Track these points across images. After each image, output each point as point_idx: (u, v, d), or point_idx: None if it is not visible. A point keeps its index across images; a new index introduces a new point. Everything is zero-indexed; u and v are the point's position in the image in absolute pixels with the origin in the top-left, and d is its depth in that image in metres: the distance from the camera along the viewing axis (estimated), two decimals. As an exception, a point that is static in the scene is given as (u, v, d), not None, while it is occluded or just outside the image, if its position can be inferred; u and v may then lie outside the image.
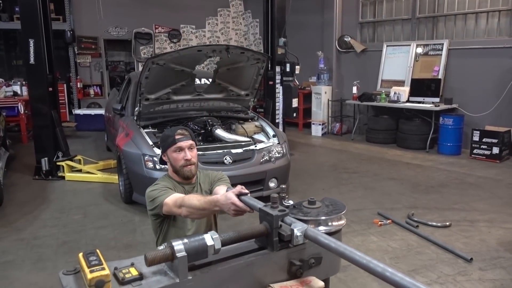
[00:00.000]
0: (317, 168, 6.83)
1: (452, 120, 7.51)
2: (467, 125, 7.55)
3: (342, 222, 1.59)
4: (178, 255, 1.27)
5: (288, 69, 7.54)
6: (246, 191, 1.72)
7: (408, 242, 3.99)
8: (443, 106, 7.68)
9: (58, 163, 6.20)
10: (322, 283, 1.50)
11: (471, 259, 3.56)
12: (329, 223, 1.56)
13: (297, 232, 1.42)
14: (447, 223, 4.35)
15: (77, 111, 10.31)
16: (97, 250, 1.30)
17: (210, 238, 1.35)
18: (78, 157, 6.49)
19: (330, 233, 1.53)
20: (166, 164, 2.37)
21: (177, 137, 2.24)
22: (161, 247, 1.32)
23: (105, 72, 11.35)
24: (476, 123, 7.51)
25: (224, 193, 1.75)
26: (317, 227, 1.54)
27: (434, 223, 4.35)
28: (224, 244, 1.39)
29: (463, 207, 4.90)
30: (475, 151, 7.19)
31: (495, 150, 6.97)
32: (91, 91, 11.16)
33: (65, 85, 10.75)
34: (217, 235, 1.36)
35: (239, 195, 1.69)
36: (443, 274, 3.36)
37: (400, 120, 8.39)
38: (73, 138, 9.22)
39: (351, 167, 6.83)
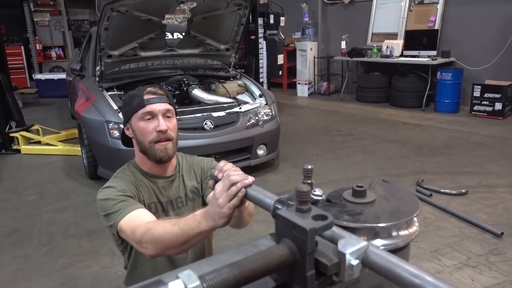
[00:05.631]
0: (308, 131, 6.19)
1: (451, 74, 6.89)
2: (466, 80, 6.97)
3: (415, 229, 0.93)
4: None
5: (272, 21, 6.73)
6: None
7: (423, 214, 3.40)
8: (440, 60, 7.04)
9: (11, 135, 5.39)
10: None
11: (502, 233, 3.01)
12: (394, 233, 0.90)
13: (350, 259, 0.75)
14: (463, 190, 3.79)
15: (38, 76, 9.31)
16: None
17: None
18: (36, 126, 5.69)
19: (394, 251, 0.88)
20: (132, 145, 1.59)
21: (146, 97, 1.48)
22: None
23: (67, 32, 10.24)
24: (475, 77, 6.92)
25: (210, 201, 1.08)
26: (372, 239, 0.88)
27: (449, 191, 3.79)
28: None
29: (476, 170, 4.35)
30: (475, 107, 6.65)
31: (498, 106, 6.43)
32: (53, 54, 10.09)
33: (22, 47, 9.70)
34: (196, 278, 0.68)
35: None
36: (473, 255, 2.80)
37: (393, 76, 7.76)
38: (35, 106, 8.41)
39: (344, 129, 6.21)
